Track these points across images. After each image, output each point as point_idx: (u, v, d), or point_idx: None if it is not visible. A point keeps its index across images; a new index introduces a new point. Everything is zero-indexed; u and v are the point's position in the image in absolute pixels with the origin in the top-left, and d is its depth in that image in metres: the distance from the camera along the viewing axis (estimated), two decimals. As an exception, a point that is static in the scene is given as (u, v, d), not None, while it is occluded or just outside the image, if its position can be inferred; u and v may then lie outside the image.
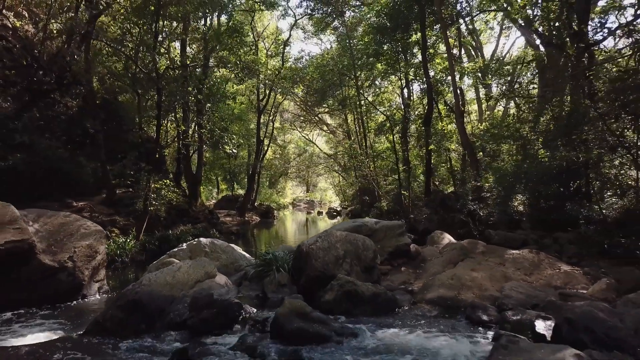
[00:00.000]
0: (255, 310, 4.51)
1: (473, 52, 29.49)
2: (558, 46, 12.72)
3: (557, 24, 13.66)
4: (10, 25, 14.40)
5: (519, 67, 16.49)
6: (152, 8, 11.60)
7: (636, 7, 9.83)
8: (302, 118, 33.86)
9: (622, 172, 9.65)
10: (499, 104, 22.12)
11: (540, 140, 12.22)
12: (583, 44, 10.61)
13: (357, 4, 25.51)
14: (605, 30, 10.84)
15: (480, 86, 24.98)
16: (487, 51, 28.85)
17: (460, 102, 16.60)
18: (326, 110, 31.03)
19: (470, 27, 17.94)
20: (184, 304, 4.36)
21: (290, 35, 24.71)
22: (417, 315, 4.36)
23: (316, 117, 32.87)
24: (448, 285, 4.89)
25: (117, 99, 16.18)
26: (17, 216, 5.97)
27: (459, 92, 17.40)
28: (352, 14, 24.45)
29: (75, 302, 6.17)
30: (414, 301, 4.81)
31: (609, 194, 9.97)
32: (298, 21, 24.85)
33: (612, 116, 9.09)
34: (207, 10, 14.16)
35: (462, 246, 6.71)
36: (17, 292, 5.75)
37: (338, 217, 30.13)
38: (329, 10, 23.50)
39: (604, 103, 9.50)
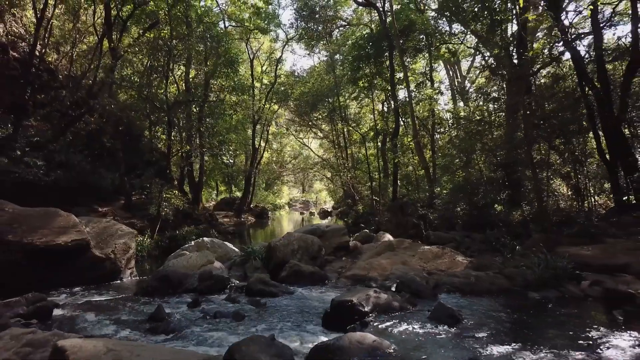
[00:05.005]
0: (238, 282, 7.23)
1: (450, 67, 31.97)
2: (501, 76, 15.38)
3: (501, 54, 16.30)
4: (37, 53, 17.07)
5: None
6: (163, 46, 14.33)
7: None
8: (296, 124, 36.25)
9: (540, 185, 12.39)
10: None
11: (482, 157, 14.94)
12: (520, 75, 13.19)
13: (344, 24, 28.18)
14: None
15: (459, 98, 27.62)
16: (469, 62, 31.14)
17: (431, 118, 19.23)
18: (317, 118, 33.53)
19: (435, 54, 20.51)
20: (194, 278, 7.07)
21: (282, 54, 27.44)
22: (337, 285, 7.07)
23: (310, 122, 35.27)
24: (362, 268, 7.60)
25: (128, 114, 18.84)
26: (77, 222, 8.61)
27: (432, 111, 20.03)
28: (339, 36, 26.92)
29: (116, 282, 8.80)
30: (338, 277, 7.53)
31: (523, 203, 12.74)
32: (289, 41, 27.54)
33: (536, 140, 11.78)
34: (208, 45, 16.88)
35: (389, 243, 9.41)
36: (77, 275, 8.36)
37: (329, 217, 32.89)
38: (319, 28, 25.89)
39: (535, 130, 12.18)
